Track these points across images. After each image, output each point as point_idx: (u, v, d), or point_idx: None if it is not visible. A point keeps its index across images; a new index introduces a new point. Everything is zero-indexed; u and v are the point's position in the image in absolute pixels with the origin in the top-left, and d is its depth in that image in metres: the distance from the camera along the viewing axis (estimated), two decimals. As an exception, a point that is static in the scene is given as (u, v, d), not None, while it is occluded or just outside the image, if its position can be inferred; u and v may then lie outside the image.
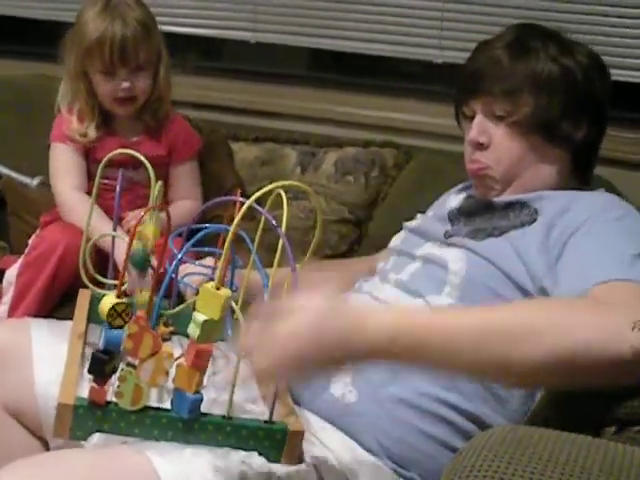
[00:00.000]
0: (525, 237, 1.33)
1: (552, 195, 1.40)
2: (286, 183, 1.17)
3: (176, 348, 1.33)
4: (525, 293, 1.29)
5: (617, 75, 2.06)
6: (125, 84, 1.86)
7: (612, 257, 1.22)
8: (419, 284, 1.39)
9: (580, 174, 1.48)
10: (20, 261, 1.88)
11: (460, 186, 1.60)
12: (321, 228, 1.19)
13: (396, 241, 1.57)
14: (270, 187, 1.11)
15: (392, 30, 2.29)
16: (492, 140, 1.44)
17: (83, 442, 1.17)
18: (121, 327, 1.16)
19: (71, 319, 1.39)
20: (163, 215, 1.41)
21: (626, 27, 2.09)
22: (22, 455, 1.12)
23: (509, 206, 1.41)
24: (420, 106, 2.28)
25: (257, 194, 1.09)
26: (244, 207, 1.09)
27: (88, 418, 1.13)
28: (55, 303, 1.82)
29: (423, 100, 2.29)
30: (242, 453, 1.15)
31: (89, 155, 1.94)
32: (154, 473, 1.08)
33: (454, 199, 1.56)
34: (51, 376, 1.18)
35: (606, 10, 2.09)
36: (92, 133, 1.91)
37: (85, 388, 1.19)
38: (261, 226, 1.29)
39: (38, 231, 1.97)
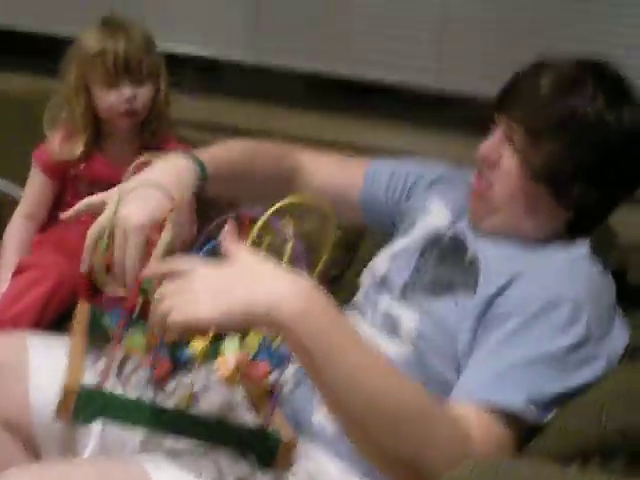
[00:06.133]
0: (467, 307, 1.31)
1: (501, 265, 1.33)
2: (301, 197, 1.16)
3: None
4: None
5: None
6: (128, 92, 1.86)
7: (486, 370, 1.21)
8: (388, 328, 1.39)
9: (574, 234, 1.39)
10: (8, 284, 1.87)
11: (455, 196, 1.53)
12: (331, 243, 1.19)
13: (365, 281, 1.53)
14: (281, 203, 1.11)
15: (390, 56, 2.32)
16: (501, 163, 1.36)
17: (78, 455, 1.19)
18: None
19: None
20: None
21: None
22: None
23: (475, 263, 1.37)
24: (416, 132, 2.30)
25: (272, 209, 1.10)
26: (262, 218, 1.10)
27: (90, 403, 1.15)
28: (48, 326, 1.79)
29: (419, 127, 2.31)
30: (239, 466, 1.18)
31: (78, 176, 1.94)
32: None
33: (441, 215, 1.52)
34: (47, 389, 1.19)
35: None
36: (77, 149, 1.91)
37: (90, 376, 1.22)
38: (267, 241, 1.29)
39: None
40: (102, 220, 1.28)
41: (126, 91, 1.86)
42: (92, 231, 1.28)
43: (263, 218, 1.10)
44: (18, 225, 1.96)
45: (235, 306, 1.00)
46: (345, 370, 1.02)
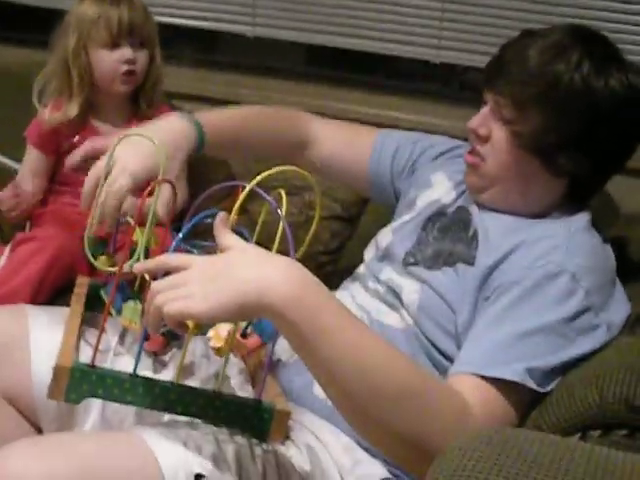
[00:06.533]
0: (468, 278, 1.31)
1: (500, 238, 1.34)
2: (288, 168, 1.14)
3: None
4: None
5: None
6: (129, 53, 1.87)
7: (484, 343, 1.21)
8: (389, 300, 1.40)
9: (572, 203, 1.39)
10: (6, 253, 1.87)
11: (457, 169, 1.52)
12: (319, 217, 1.17)
13: (368, 254, 1.55)
14: (274, 170, 1.10)
15: (391, 28, 2.29)
16: (492, 137, 1.37)
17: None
18: None
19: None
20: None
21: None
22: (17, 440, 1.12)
23: (476, 235, 1.38)
24: (415, 105, 2.29)
25: (260, 176, 1.08)
26: (247, 189, 1.09)
27: (83, 382, 1.14)
28: (46, 299, 1.78)
29: (418, 99, 2.30)
30: (238, 439, 1.17)
31: (72, 148, 1.93)
32: (154, 460, 1.09)
33: (444, 188, 1.52)
34: (48, 362, 1.18)
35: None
36: (73, 110, 1.91)
37: (83, 355, 1.22)
38: (262, 217, 1.29)
39: (28, 224, 1.98)
40: (100, 164, 1.31)
41: (127, 51, 1.87)
42: (90, 174, 1.31)
43: (248, 188, 1.09)
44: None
45: (227, 299, 0.98)
46: (341, 351, 1.01)
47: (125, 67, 1.89)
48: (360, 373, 1.02)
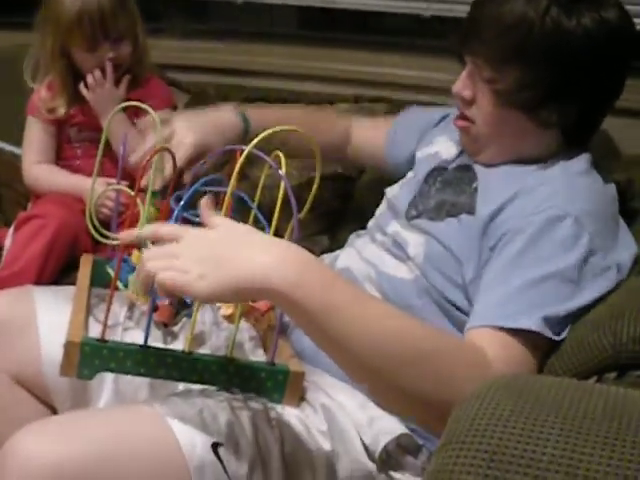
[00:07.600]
0: (471, 227, 1.31)
1: (499, 185, 1.34)
2: (285, 128, 1.13)
3: None
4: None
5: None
6: (110, 55, 1.86)
7: (497, 294, 1.20)
8: (396, 253, 1.40)
9: (571, 148, 1.38)
10: (10, 234, 1.87)
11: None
12: (319, 177, 1.17)
13: (379, 209, 1.56)
14: (269, 131, 1.09)
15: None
16: (476, 98, 1.37)
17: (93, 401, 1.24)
18: None
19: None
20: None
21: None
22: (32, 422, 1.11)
23: (477, 186, 1.37)
24: (410, 60, 2.27)
25: (259, 137, 1.08)
26: (246, 150, 1.08)
27: (95, 356, 1.14)
28: (51, 277, 1.80)
29: (413, 54, 2.28)
30: (253, 404, 1.18)
31: (67, 120, 1.95)
32: (170, 432, 1.09)
33: (446, 145, 1.52)
34: (57, 342, 1.18)
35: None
36: (61, 110, 1.93)
37: (93, 331, 1.22)
38: (261, 183, 1.28)
39: (30, 205, 1.98)
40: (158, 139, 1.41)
41: (107, 54, 1.86)
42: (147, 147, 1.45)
43: (247, 149, 1.08)
44: (36, 170, 1.97)
45: (227, 283, 0.97)
46: (350, 326, 1.00)
47: (106, 64, 1.88)
48: (371, 344, 1.01)
